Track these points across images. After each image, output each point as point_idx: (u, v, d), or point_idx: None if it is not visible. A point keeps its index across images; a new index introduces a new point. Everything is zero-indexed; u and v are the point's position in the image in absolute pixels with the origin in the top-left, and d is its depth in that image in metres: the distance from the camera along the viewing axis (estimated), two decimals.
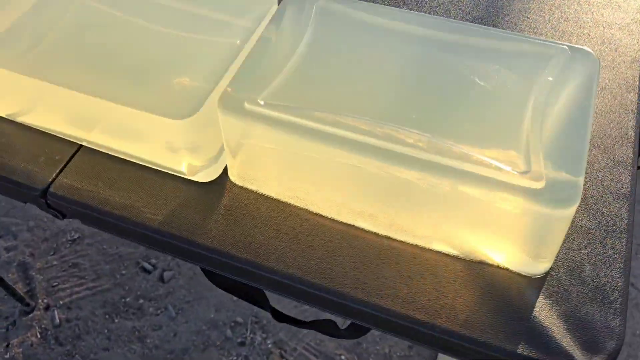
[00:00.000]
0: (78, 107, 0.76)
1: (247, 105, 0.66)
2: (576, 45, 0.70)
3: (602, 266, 0.69)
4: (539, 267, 0.68)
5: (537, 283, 0.68)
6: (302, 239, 0.71)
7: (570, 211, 0.60)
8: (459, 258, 0.70)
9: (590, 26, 0.95)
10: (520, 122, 0.65)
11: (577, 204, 0.58)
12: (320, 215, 0.74)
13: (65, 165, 0.79)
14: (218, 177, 0.77)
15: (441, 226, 0.70)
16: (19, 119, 0.82)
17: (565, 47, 0.69)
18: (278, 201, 0.75)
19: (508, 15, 0.98)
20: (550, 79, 0.67)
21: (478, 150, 0.63)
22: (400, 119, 0.66)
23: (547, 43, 0.70)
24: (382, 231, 0.72)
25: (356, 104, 0.68)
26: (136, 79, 0.73)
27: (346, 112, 0.67)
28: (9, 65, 0.74)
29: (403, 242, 0.72)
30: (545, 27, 0.95)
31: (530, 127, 0.64)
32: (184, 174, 0.76)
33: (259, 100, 0.66)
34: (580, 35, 0.94)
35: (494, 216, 0.65)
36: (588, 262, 0.69)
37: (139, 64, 0.75)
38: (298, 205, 0.75)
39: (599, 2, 1.00)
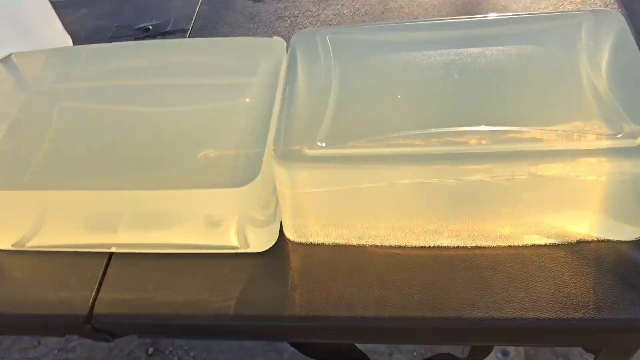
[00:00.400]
0: (102, 209, 0.67)
1: (308, 152, 0.60)
2: (597, 9, 0.70)
3: None
4: None
5: None
6: (392, 276, 0.66)
7: None
8: (557, 245, 0.67)
9: None
10: (584, 90, 0.63)
11: None
12: (400, 247, 0.68)
13: (101, 280, 0.69)
14: (275, 243, 0.70)
15: (527, 218, 0.66)
16: (31, 245, 0.72)
17: (589, 12, 0.69)
18: (349, 246, 0.69)
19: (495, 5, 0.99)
20: (592, 43, 0.66)
21: (551, 127, 0.61)
22: (459, 120, 0.63)
23: (569, 14, 0.70)
24: (469, 242, 0.68)
25: (410, 119, 0.64)
26: (162, 162, 0.66)
27: (405, 129, 0.63)
28: (13, 185, 0.64)
29: (494, 246, 0.67)
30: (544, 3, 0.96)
31: (599, 91, 0.62)
32: (238, 248, 0.69)
33: (318, 143, 0.61)
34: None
35: (583, 190, 0.63)
36: None
37: (158, 147, 0.67)
38: (373, 243, 0.69)
39: None
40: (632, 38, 0.66)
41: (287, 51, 0.75)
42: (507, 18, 0.72)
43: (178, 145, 0.67)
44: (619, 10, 0.84)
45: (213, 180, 0.61)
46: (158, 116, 0.71)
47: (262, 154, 0.62)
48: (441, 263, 0.66)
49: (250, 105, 0.69)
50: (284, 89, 0.68)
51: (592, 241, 0.66)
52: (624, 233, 0.66)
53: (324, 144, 0.61)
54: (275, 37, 0.76)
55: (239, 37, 0.98)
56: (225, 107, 0.70)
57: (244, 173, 0.60)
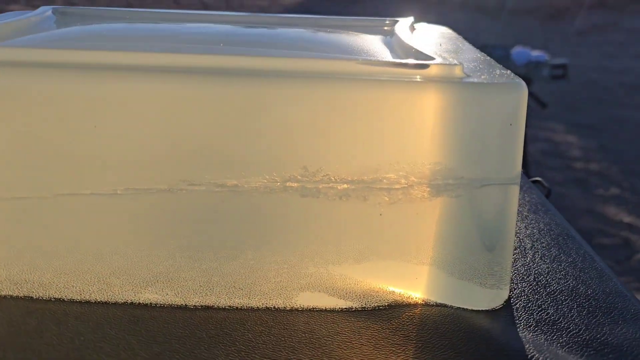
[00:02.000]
0: None
1: None
2: None
3: None
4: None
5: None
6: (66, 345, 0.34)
7: None
8: (351, 310, 0.38)
9: None
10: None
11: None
12: (74, 302, 0.38)
13: None
14: None
15: (306, 261, 0.38)
16: None
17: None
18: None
19: None
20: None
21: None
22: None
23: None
24: (195, 300, 0.38)
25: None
26: None
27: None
28: None
29: (252, 309, 0.38)
30: None
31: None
32: None
33: None
34: None
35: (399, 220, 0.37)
36: None
37: None
38: (39, 294, 0.39)
39: None
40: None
41: None
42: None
43: None
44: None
45: None
46: None
47: None
48: (136, 331, 0.36)
49: None
50: None
51: (416, 305, 0.38)
52: (473, 296, 0.38)
53: None
54: None
55: None
56: None
57: None
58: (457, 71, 0.34)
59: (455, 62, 0.34)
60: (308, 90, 0.36)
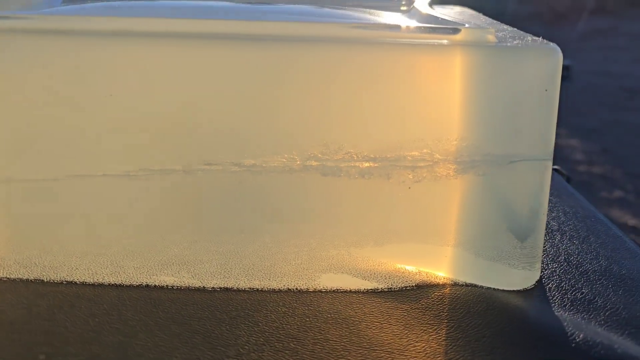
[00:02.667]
0: None
1: None
2: None
3: None
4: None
5: None
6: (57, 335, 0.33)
7: None
8: (377, 291, 0.36)
9: None
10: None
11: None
12: (91, 284, 0.37)
13: None
14: None
15: (330, 240, 0.37)
16: None
17: None
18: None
19: None
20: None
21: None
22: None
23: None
24: (213, 282, 0.37)
25: None
26: None
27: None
28: None
29: (263, 289, 0.36)
30: None
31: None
32: None
33: None
34: None
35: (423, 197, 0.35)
36: None
37: None
38: (50, 277, 0.37)
39: None
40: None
41: None
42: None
43: None
44: None
45: None
46: None
47: None
48: (154, 313, 0.34)
49: None
50: None
51: (445, 286, 0.36)
52: (503, 277, 0.37)
53: None
54: None
55: None
56: None
57: None
58: (490, 36, 0.32)
59: (488, 27, 0.33)
60: (328, 57, 0.34)
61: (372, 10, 0.47)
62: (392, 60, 0.33)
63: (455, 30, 0.33)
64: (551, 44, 0.33)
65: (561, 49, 0.33)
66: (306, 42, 0.35)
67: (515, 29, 0.39)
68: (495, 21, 0.42)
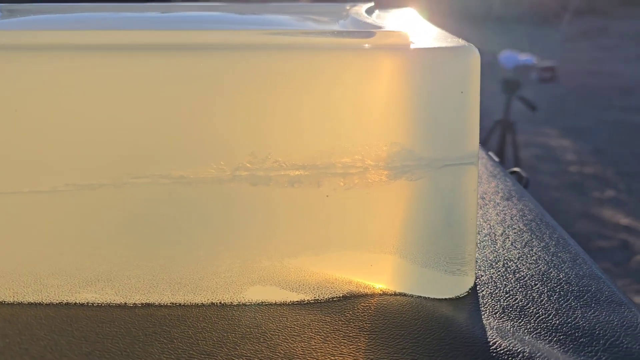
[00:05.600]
0: None
1: None
2: None
3: None
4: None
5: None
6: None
7: None
8: (303, 303, 0.35)
9: None
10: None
11: None
12: (5, 304, 0.35)
13: None
14: None
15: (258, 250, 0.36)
16: None
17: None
18: None
19: None
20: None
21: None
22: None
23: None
24: (136, 298, 0.36)
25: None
26: None
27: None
28: None
29: (196, 305, 0.35)
30: None
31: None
32: None
33: None
34: None
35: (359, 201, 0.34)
36: None
37: None
38: None
39: None
40: None
41: None
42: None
43: None
44: None
45: None
46: None
47: None
48: (68, 332, 0.33)
49: None
50: None
51: (373, 295, 0.35)
52: (434, 285, 0.36)
53: None
54: None
55: None
56: None
57: None
58: (403, 38, 0.31)
59: (401, 29, 0.32)
60: (249, 64, 0.33)
61: (308, 17, 0.46)
62: (311, 64, 0.33)
63: (370, 34, 0.32)
64: (467, 44, 0.32)
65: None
66: (231, 50, 0.34)
67: (446, 32, 0.38)
68: (429, 23, 0.42)
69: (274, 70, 0.33)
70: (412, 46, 0.31)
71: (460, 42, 0.33)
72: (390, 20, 0.44)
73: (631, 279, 1.94)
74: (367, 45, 0.32)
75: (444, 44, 0.32)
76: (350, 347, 0.30)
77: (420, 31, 0.36)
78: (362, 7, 0.47)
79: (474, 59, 0.31)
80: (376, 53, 0.31)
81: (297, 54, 0.33)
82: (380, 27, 0.34)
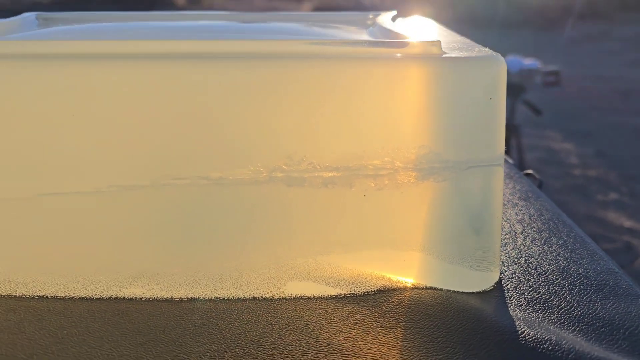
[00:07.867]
0: None
1: None
2: None
3: None
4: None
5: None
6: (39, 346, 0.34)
7: None
8: (341, 296, 0.37)
9: None
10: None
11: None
12: (57, 298, 0.38)
13: None
14: None
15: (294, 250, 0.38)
16: None
17: None
18: None
19: None
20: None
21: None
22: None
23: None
24: (181, 292, 0.38)
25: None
26: None
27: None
28: None
29: (239, 299, 0.37)
30: None
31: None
32: None
33: None
34: None
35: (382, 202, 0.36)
36: None
37: None
38: (21, 293, 0.38)
39: None
40: None
41: None
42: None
43: None
44: None
45: None
46: None
47: None
48: (120, 324, 0.35)
49: None
50: None
51: (405, 289, 0.37)
52: (462, 279, 0.38)
53: None
54: None
55: None
56: None
57: None
58: (435, 48, 0.34)
59: (433, 39, 0.34)
60: (289, 72, 0.35)
61: (336, 25, 0.48)
62: (345, 73, 0.35)
63: (403, 44, 0.34)
64: (495, 53, 0.34)
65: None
66: (269, 59, 0.36)
67: (468, 39, 0.40)
68: (450, 31, 0.44)
69: (311, 78, 0.35)
70: (443, 55, 0.34)
71: (488, 51, 0.35)
72: (415, 28, 0.46)
73: (636, 281, 1.96)
74: (400, 54, 0.34)
75: (473, 54, 0.34)
76: (389, 336, 0.33)
77: (448, 40, 0.38)
78: (386, 16, 0.49)
79: (502, 68, 0.34)
80: (410, 62, 0.34)
81: (335, 63, 0.35)
82: (409, 37, 0.36)
